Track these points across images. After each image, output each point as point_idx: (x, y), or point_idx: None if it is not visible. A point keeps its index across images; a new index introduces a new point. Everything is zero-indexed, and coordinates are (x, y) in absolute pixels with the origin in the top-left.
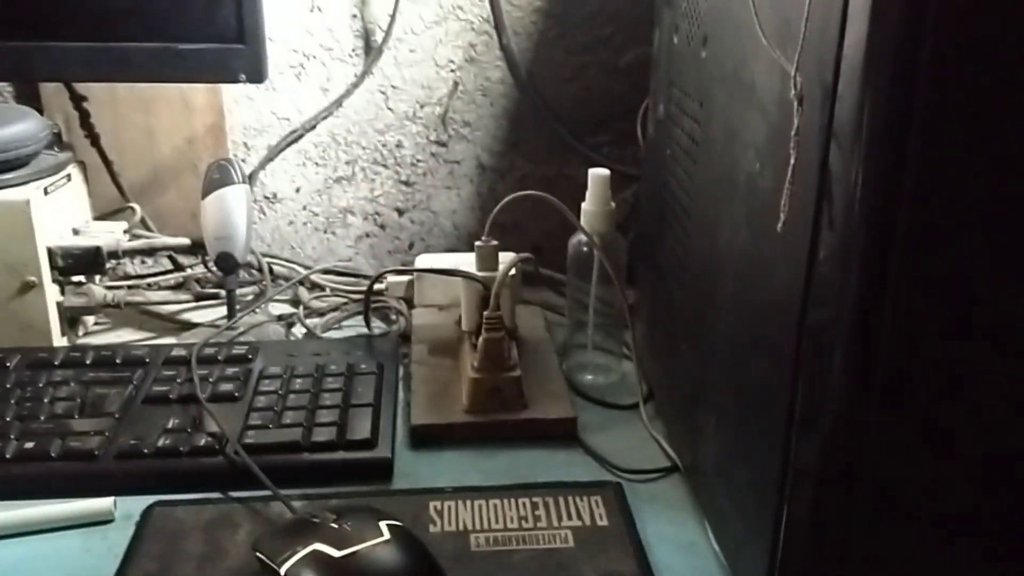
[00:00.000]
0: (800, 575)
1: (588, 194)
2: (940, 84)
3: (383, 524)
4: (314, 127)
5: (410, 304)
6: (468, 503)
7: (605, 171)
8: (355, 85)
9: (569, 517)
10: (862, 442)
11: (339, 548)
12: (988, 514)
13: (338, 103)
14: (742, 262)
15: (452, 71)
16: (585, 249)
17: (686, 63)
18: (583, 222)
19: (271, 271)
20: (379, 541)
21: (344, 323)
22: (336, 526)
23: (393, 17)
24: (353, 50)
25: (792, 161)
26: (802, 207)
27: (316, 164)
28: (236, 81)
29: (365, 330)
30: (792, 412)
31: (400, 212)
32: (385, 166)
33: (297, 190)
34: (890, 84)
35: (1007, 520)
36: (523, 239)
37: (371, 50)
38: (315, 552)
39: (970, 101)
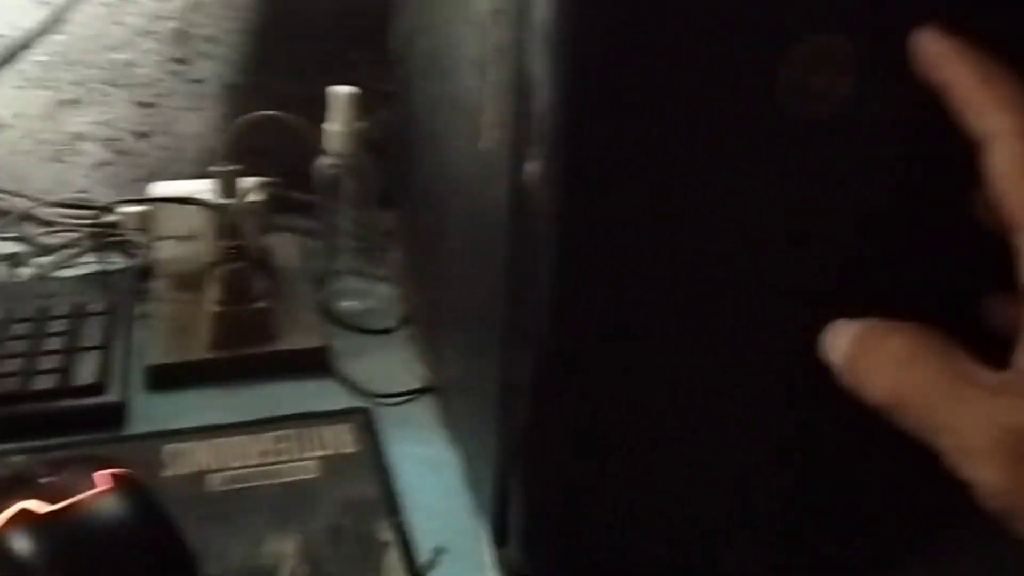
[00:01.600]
0: (522, 483)
1: (329, 113)
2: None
3: (100, 474)
4: (31, 44)
5: (152, 237)
6: (206, 443)
7: (344, 88)
8: None
9: (315, 448)
10: (570, 355)
11: (51, 503)
12: (693, 411)
13: (58, 17)
14: (464, 180)
15: None
16: (331, 171)
17: None
18: (326, 142)
19: None
20: (94, 492)
21: (79, 260)
22: (49, 480)
23: None
24: None
25: (492, 76)
26: (505, 122)
27: (38, 87)
28: None
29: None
30: (509, 329)
31: (140, 136)
32: (118, 87)
33: (16, 115)
34: None
35: (714, 428)
36: (275, 163)
37: None
38: (22, 511)
39: (650, 21)
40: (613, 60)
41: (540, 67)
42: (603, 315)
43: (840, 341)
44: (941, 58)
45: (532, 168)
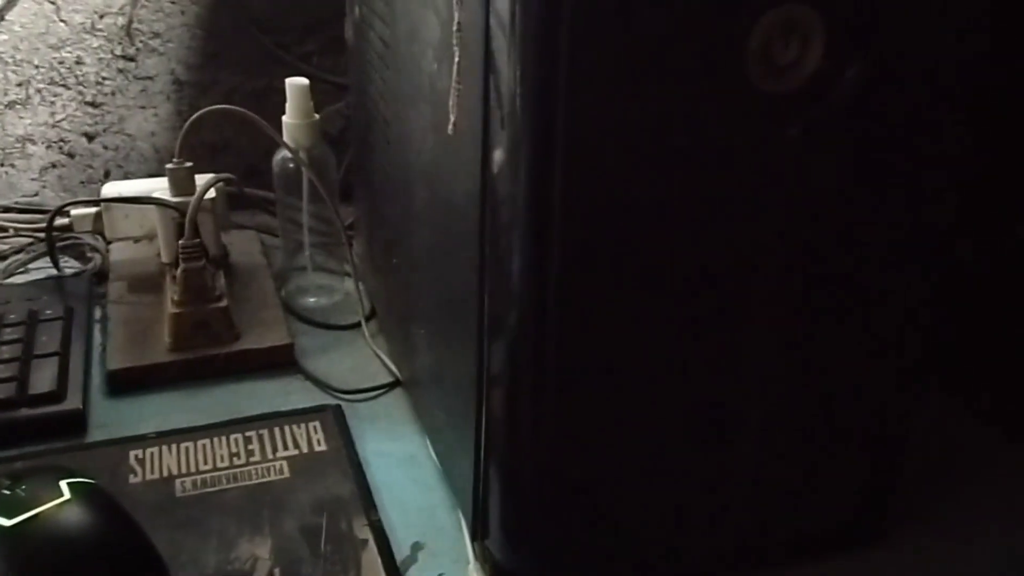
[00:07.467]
0: (501, 474)
1: (287, 106)
2: None
3: (64, 483)
4: None
5: (107, 239)
6: (173, 447)
7: (303, 80)
8: None
9: (285, 447)
10: (544, 341)
11: (11, 516)
12: (668, 400)
13: None
14: (430, 169)
15: None
16: (291, 165)
17: None
18: (285, 136)
19: None
20: (57, 502)
21: (31, 266)
22: (9, 492)
23: None
24: None
25: (456, 59)
26: (471, 107)
27: None
28: None
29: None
30: (483, 317)
31: (90, 137)
32: (65, 86)
33: None
34: None
35: (691, 405)
36: (236, 159)
37: None
38: None
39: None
40: (579, 37)
41: (505, 49)
42: (579, 300)
43: None
44: None
45: (500, 154)
